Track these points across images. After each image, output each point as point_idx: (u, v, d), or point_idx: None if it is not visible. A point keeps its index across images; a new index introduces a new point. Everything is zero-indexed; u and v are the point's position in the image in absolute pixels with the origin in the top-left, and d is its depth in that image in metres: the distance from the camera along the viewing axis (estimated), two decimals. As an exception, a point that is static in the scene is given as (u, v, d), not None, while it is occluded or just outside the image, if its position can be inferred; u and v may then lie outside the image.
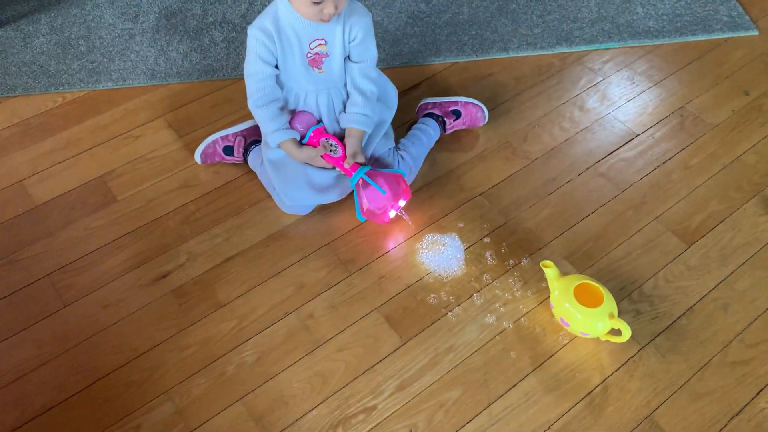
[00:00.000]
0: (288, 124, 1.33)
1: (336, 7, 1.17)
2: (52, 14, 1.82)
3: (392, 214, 1.33)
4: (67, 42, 1.75)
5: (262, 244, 1.37)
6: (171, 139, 1.53)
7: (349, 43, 1.29)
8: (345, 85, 1.36)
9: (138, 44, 1.74)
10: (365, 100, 1.33)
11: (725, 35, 1.77)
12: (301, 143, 1.34)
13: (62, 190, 1.45)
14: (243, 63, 1.34)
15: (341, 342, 1.23)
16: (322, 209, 1.41)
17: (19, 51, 1.72)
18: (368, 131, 1.35)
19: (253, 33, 1.26)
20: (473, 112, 1.52)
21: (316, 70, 1.30)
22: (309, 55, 1.28)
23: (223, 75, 1.67)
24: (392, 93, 1.46)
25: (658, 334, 1.24)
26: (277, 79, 1.33)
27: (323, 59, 1.29)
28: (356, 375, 1.19)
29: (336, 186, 1.37)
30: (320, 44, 1.27)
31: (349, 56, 1.32)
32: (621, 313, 1.25)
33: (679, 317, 1.26)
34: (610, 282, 1.30)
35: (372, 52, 1.33)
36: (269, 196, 1.43)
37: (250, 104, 1.31)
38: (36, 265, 1.33)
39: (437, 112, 1.51)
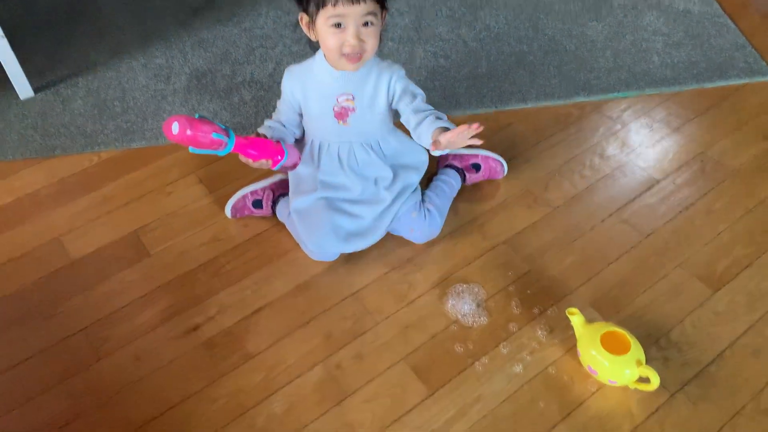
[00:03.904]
0: (276, 135, 1.36)
1: (357, 38, 1.20)
2: (89, 77, 1.91)
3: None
4: (103, 104, 1.83)
5: (290, 294, 1.39)
6: (202, 194, 1.59)
7: (392, 99, 1.33)
8: (368, 140, 1.40)
9: (170, 104, 1.82)
10: (425, 109, 1.30)
11: (742, 81, 1.80)
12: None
13: (97, 246, 1.50)
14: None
15: (369, 392, 1.24)
16: (349, 258, 1.43)
17: (58, 113, 1.81)
18: (447, 125, 1.25)
19: (285, 76, 1.37)
20: (493, 165, 1.55)
21: (341, 122, 1.35)
22: (336, 107, 1.34)
23: (252, 131, 1.71)
24: (424, 159, 1.49)
25: (688, 382, 1.23)
26: (303, 123, 1.41)
27: (349, 113, 1.34)
28: (384, 426, 1.19)
29: (361, 235, 1.40)
30: (347, 99, 1.32)
31: (399, 112, 1.35)
32: (649, 360, 1.24)
33: (708, 364, 1.25)
34: (636, 329, 1.30)
35: (419, 91, 1.34)
36: (297, 246, 1.46)
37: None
38: (72, 320, 1.37)
39: (457, 164, 1.55)
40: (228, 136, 1.18)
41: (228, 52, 1.97)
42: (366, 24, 1.20)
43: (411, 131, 1.32)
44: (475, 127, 1.13)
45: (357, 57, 1.24)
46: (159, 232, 1.52)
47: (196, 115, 1.17)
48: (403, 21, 2.04)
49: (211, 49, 1.98)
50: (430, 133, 1.23)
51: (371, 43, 1.23)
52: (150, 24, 2.09)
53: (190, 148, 1.18)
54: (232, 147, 1.20)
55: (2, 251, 1.49)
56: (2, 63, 1.77)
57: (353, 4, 1.17)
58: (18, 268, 1.46)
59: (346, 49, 1.22)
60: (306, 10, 1.24)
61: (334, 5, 1.18)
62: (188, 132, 1.13)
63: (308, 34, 1.28)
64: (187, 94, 1.84)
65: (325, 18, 1.20)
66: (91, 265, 1.46)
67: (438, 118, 1.26)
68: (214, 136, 1.15)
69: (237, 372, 1.28)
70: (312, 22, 1.24)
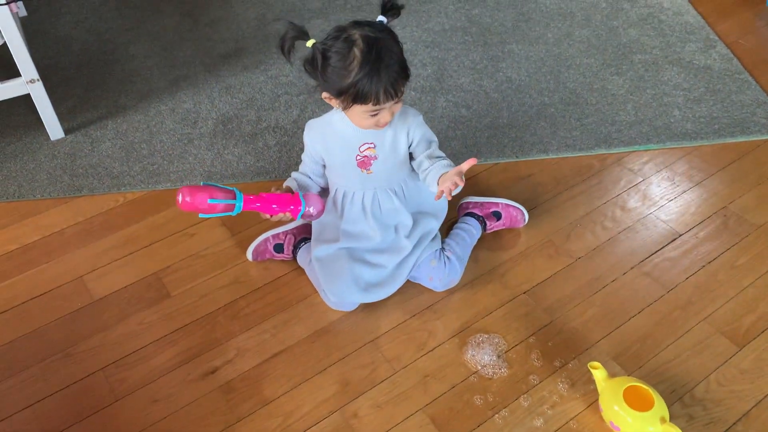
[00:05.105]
0: (299, 186, 1.42)
1: (392, 115, 1.26)
2: (119, 120, 1.96)
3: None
4: (130, 146, 1.87)
5: (308, 340, 1.39)
6: (224, 237, 1.60)
7: (410, 145, 1.38)
8: (391, 185, 1.42)
9: (196, 148, 1.86)
10: (438, 155, 1.37)
11: (764, 137, 1.80)
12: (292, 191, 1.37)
13: (119, 286, 1.51)
14: (294, 165, 1.45)
15: (386, 442, 1.22)
16: (368, 304, 1.43)
17: (87, 154, 1.85)
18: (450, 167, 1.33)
19: (305, 130, 1.41)
20: (513, 214, 1.56)
21: (364, 171, 1.38)
22: (359, 157, 1.36)
23: (275, 176, 1.75)
24: (442, 205, 1.51)
25: (714, 441, 1.20)
26: (326, 174, 1.44)
27: (372, 161, 1.36)
28: (401, 478, 1.17)
29: (382, 285, 1.40)
30: (369, 148, 1.35)
31: (412, 157, 1.40)
32: (673, 418, 1.21)
33: (734, 423, 1.22)
34: (660, 384, 1.28)
35: (434, 138, 1.40)
36: (316, 291, 1.46)
37: None
38: (91, 359, 1.37)
39: (478, 212, 1.55)
40: (235, 197, 1.24)
41: (254, 98, 2.02)
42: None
43: (420, 173, 1.38)
44: (471, 162, 1.22)
45: (386, 124, 1.29)
46: (180, 274, 1.53)
47: (201, 183, 1.23)
48: (426, 72, 2.08)
49: (238, 95, 2.03)
50: (436, 179, 1.30)
51: (398, 110, 1.28)
52: (179, 70, 2.15)
53: (200, 214, 1.24)
54: (242, 207, 1.26)
55: (26, 289, 1.51)
56: (36, 104, 1.83)
57: (392, 99, 1.22)
58: (40, 306, 1.48)
59: (380, 126, 1.28)
60: (334, 96, 1.24)
61: (375, 104, 1.21)
62: (187, 199, 1.20)
63: (330, 103, 1.28)
64: (213, 139, 1.88)
65: (362, 111, 1.23)
66: (112, 305, 1.47)
67: (448, 165, 1.32)
68: (209, 201, 1.21)
69: (253, 417, 1.27)
70: (339, 101, 1.24)
